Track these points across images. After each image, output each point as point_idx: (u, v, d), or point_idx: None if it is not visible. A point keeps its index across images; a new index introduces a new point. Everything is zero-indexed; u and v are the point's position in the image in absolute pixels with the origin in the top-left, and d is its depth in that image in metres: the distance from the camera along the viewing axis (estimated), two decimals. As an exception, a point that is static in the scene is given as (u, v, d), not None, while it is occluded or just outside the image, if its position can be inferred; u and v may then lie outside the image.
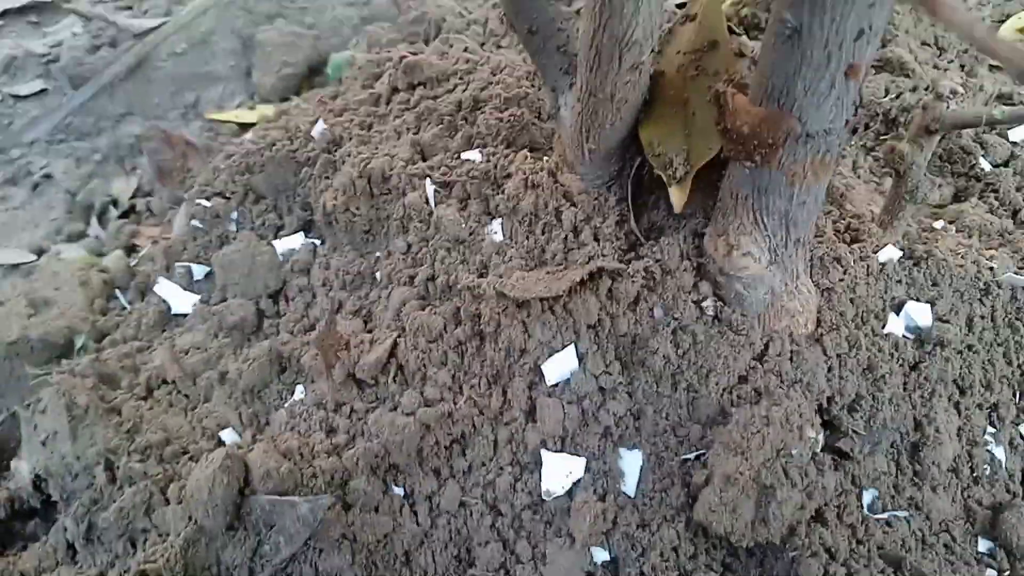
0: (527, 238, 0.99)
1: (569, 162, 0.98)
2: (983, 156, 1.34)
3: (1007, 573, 0.90)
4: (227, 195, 1.30)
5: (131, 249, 1.49)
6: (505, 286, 0.92)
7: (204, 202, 1.29)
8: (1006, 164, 1.34)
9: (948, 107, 0.93)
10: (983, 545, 0.93)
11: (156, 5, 2.00)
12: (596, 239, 0.96)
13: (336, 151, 1.23)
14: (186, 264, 1.25)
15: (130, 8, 2.01)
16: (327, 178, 1.21)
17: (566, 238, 0.97)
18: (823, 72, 0.70)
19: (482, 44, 1.53)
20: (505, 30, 1.57)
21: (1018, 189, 1.29)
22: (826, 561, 0.83)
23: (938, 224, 1.19)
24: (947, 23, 0.35)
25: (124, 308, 1.32)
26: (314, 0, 1.98)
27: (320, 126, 1.26)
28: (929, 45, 1.59)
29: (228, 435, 1.06)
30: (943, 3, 0.35)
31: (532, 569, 0.90)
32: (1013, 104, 1.46)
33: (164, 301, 1.23)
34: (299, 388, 1.08)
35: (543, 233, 0.98)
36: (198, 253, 1.27)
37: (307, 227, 1.25)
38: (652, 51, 0.79)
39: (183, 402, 1.11)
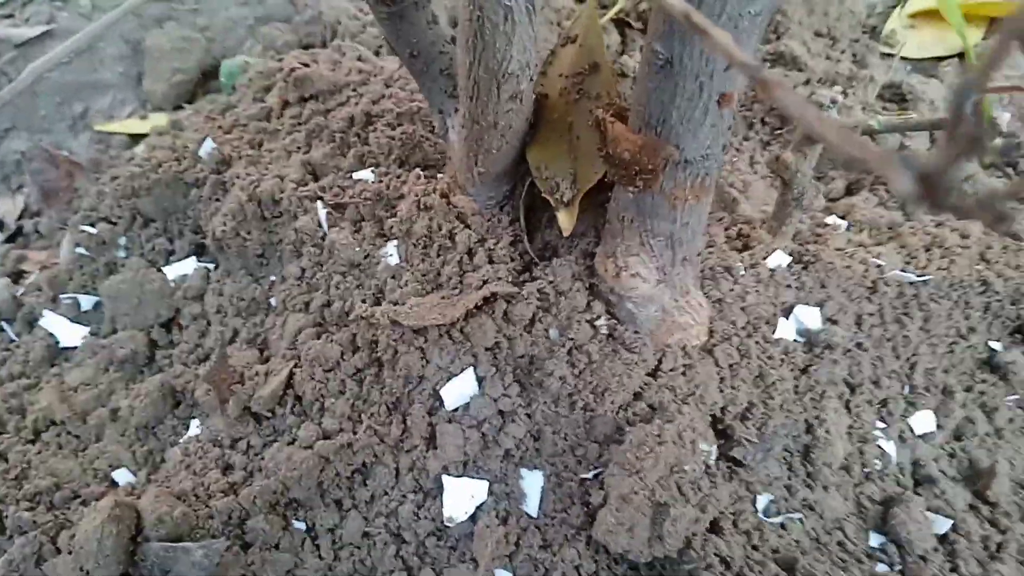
0: (422, 261, 0.98)
1: (461, 183, 0.96)
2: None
3: (898, 567, 0.94)
4: (113, 220, 1.25)
5: (18, 275, 1.42)
6: (399, 314, 0.91)
7: (89, 228, 1.24)
8: (894, 157, 1.38)
9: (830, 115, 0.94)
10: (875, 540, 0.96)
11: (38, 12, 1.90)
12: (491, 261, 0.96)
13: (225, 171, 1.19)
14: (72, 295, 1.20)
15: (11, 16, 1.91)
16: (217, 200, 1.17)
17: (461, 260, 0.96)
18: (696, 101, 0.70)
19: (378, 49, 1.50)
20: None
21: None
22: (721, 572, 0.84)
23: (830, 219, 1.22)
24: (780, 105, 0.35)
25: (12, 341, 1.26)
26: (206, 1, 1.90)
27: (208, 145, 1.22)
28: (822, 35, 1.62)
29: (122, 475, 1.02)
30: (775, 85, 0.35)
31: (439, 596, 0.90)
32: (902, 92, 1.51)
33: (51, 335, 1.18)
34: (194, 423, 1.05)
35: (438, 256, 0.97)
36: (85, 283, 1.22)
37: (199, 251, 1.22)
38: (531, 80, 0.78)
39: (73, 443, 1.06)
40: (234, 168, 1.17)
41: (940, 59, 1.61)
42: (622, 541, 0.83)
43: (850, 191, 1.37)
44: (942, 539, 0.96)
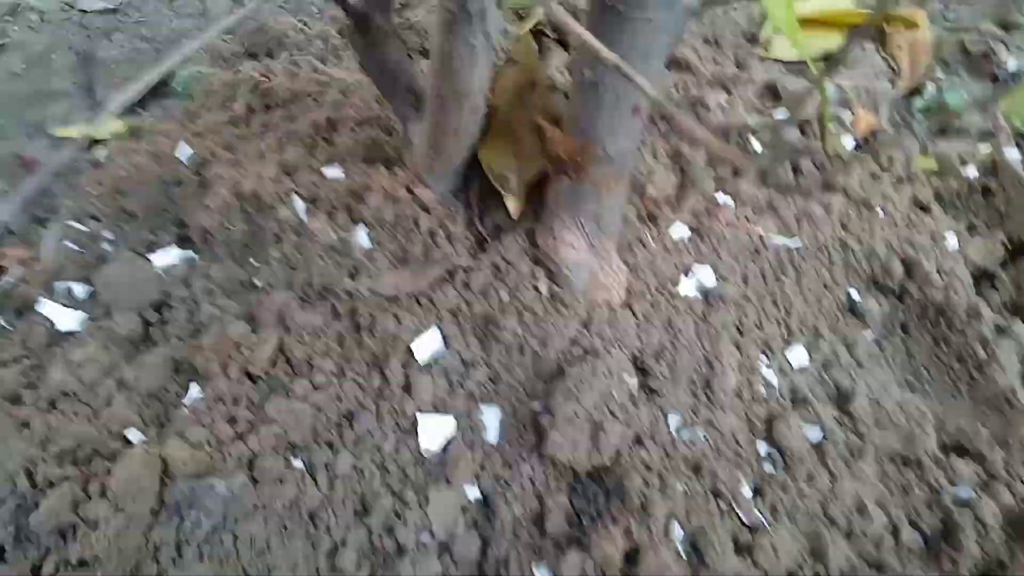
0: (391, 243, 1.18)
1: (421, 177, 1.17)
2: (754, 136, 1.64)
3: (781, 467, 1.19)
4: (99, 217, 1.40)
5: (-2, 271, 1.54)
6: (376, 285, 1.11)
7: (77, 224, 1.38)
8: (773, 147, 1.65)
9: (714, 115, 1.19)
10: (762, 449, 1.21)
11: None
12: (450, 241, 1.16)
13: (204, 171, 1.35)
14: (66, 283, 1.34)
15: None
16: (198, 197, 1.33)
17: (425, 242, 1.17)
18: (615, 112, 0.93)
19: (324, 60, 1.68)
20: (345, 43, 1.72)
21: (777, 168, 1.60)
22: (644, 472, 1.07)
23: (720, 197, 1.47)
24: (688, 136, 0.57)
25: (3, 328, 1.39)
26: (151, 14, 2.03)
27: (185, 149, 1.38)
28: (709, 42, 1.88)
29: (134, 435, 1.18)
30: (672, 112, 0.57)
31: (419, 510, 1.10)
32: (776, 89, 1.78)
33: (48, 320, 1.32)
34: (194, 386, 1.22)
35: (405, 238, 1.18)
36: (76, 273, 1.37)
37: (182, 243, 1.38)
38: (483, 95, 1.00)
39: (87, 410, 1.21)
40: (214, 168, 1.34)
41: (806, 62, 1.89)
42: (567, 454, 1.06)
43: (736, 174, 1.63)
44: (816, 446, 1.22)
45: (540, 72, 1.09)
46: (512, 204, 1.08)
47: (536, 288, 1.13)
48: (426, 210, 1.17)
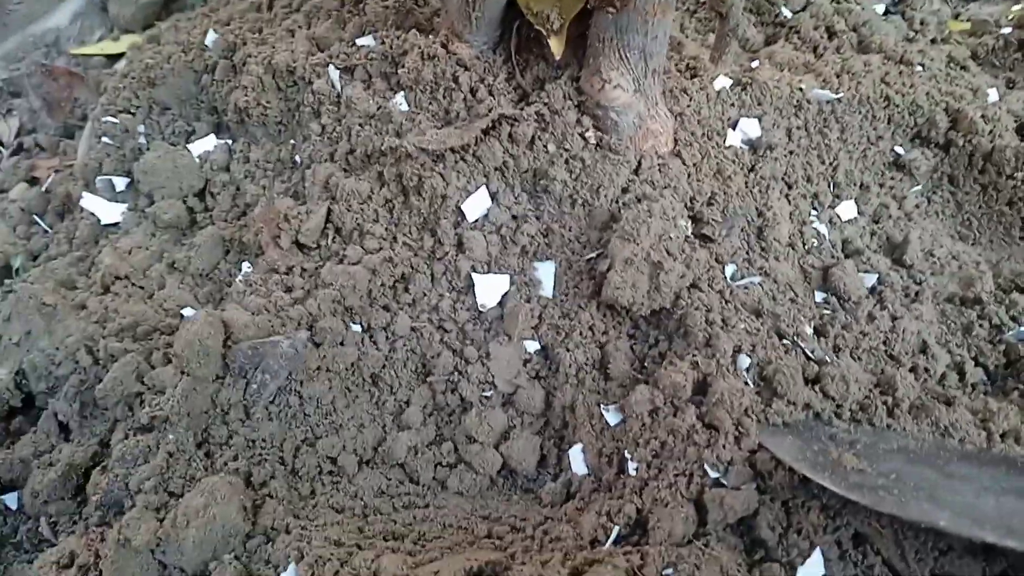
0: (431, 104, 1.17)
1: (458, 33, 1.15)
2: (784, 5, 1.61)
3: (840, 311, 1.17)
4: (132, 111, 1.38)
5: (32, 182, 1.54)
6: (422, 142, 1.09)
7: (111, 119, 1.37)
8: (803, 10, 1.61)
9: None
10: (819, 297, 1.20)
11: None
12: (491, 95, 1.15)
13: (233, 56, 1.34)
14: (107, 177, 1.34)
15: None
16: (230, 81, 1.32)
17: (466, 98, 1.15)
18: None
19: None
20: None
21: (815, 28, 1.57)
22: (705, 312, 1.07)
23: (755, 63, 1.45)
24: None
25: (46, 231, 1.39)
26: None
27: (212, 35, 1.36)
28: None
29: (189, 312, 1.18)
30: None
31: (480, 366, 1.10)
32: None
33: (92, 214, 1.32)
34: (244, 265, 1.21)
35: (445, 96, 1.16)
36: (115, 167, 1.36)
37: (218, 130, 1.36)
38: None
39: (139, 292, 1.22)
40: (242, 51, 1.32)
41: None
42: (627, 296, 1.05)
43: (768, 43, 1.60)
44: (872, 291, 1.21)
45: None
46: (555, 44, 1.05)
47: (583, 136, 1.11)
48: (465, 67, 1.15)
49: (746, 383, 1.00)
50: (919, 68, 1.47)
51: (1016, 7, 1.77)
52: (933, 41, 1.65)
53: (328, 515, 0.99)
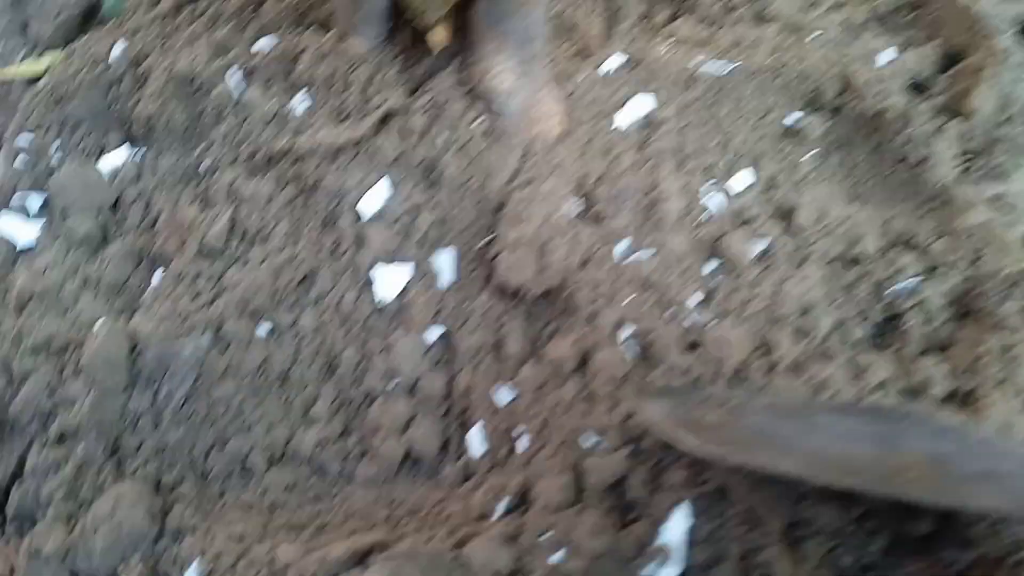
0: (328, 101, 1.20)
1: (349, 30, 1.18)
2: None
3: (727, 279, 1.21)
4: (45, 128, 1.41)
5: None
6: (314, 140, 1.13)
7: (25, 137, 1.39)
8: (706, -12, 1.64)
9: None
10: (710, 266, 1.23)
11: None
12: (385, 89, 1.18)
13: (139, 66, 1.36)
14: (21, 196, 1.36)
15: None
16: (138, 90, 1.34)
17: (361, 92, 1.18)
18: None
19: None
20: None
21: (713, 4, 1.60)
22: (593, 289, 1.11)
23: (656, 40, 1.48)
24: None
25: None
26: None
27: (119, 47, 1.39)
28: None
29: (102, 324, 1.21)
30: None
31: (383, 358, 1.14)
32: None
33: (7, 239, 1.34)
34: (157, 274, 1.24)
35: (342, 92, 1.19)
36: (29, 185, 1.38)
37: (130, 141, 1.39)
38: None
39: (54, 309, 1.24)
40: (147, 61, 1.34)
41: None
42: (516, 277, 1.09)
43: (672, 19, 1.63)
44: (761, 257, 1.24)
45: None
46: (439, 34, 1.09)
47: (473, 125, 1.15)
48: (357, 62, 1.18)
49: (626, 353, 1.04)
50: (812, 35, 1.51)
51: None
52: (833, 6, 1.68)
53: (235, 514, 1.03)
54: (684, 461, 0.93)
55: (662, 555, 0.88)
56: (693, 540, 0.90)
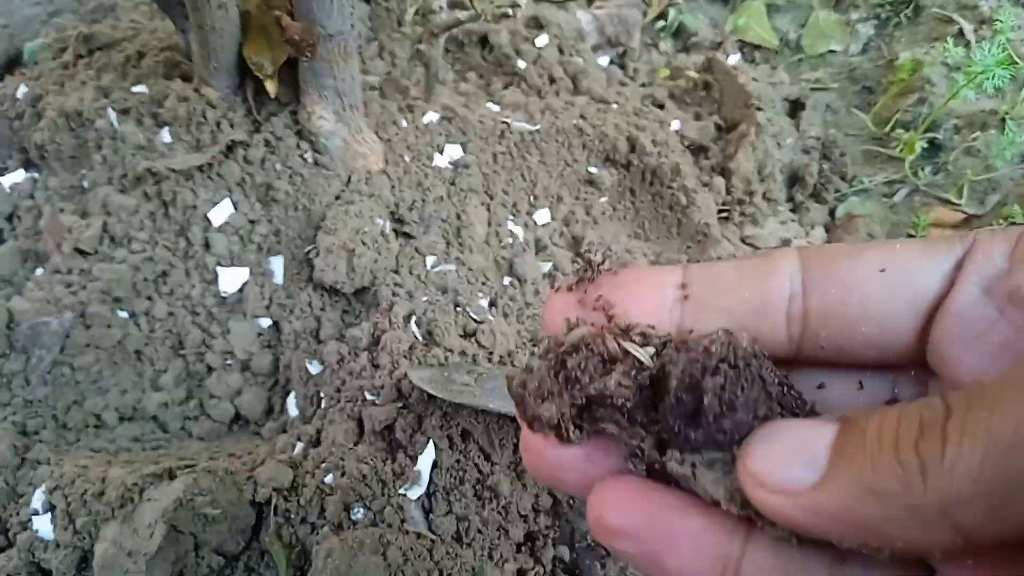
0: (187, 135, 1.47)
1: (205, 80, 1.46)
2: (519, 58, 1.98)
3: (516, 287, 1.51)
4: (-48, 152, 1.65)
5: None
6: (173, 163, 1.40)
7: (-67, 159, 1.63)
8: (534, 62, 1.99)
9: (441, 17, 1.52)
10: (506, 280, 1.53)
11: None
12: (232, 127, 1.46)
13: (38, 104, 1.63)
14: (-73, 207, 1.60)
15: None
16: (34, 124, 1.60)
17: (212, 130, 1.46)
18: (323, -3, 1.24)
19: (151, 19, 1.96)
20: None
21: (539, 76, 1.94)
22: (396, 289, 1.39)
23: (489, 105, 1.81)
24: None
25: None
26: (3, 4, 2.28)
27: (23, 88, 1.65)
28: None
29: (-11, 310, 1.45)
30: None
31: (223, 340, 1.40)
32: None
33: (-87, 238, 1.58)
34: (39, 270, 1.49)
35: (196, 130, 1.47)
36: (-64, 199, 1.62)
37: (26, 166, 1.64)
38: (230, -4, 1.30)
39: (-53, 296, 1.47)
40: (44, 100, 1.61)
41: (573, -1, 2.25)
42: (330, 276, 1.36)
43: (505, 87, 1.97)
44: (546, 275, 1.55)
45: (275, -21, 1.40)
46: (270, 85, 1.38)
47: (302, 157, 1.44)
48: (212, 105, 1.46)
49: (415, 336, 1.32)
50: (614, 105, 1.86)
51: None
52: (642, 85, 2.05)
53: (85, 454, 1.26)
54: (439, 411, 1.20)
55: (414, 477, 1.15)
56: (440, 469, 1.17)
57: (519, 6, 1.45)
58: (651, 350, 0.43)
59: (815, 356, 0.44)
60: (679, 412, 0.41)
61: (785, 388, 0.42)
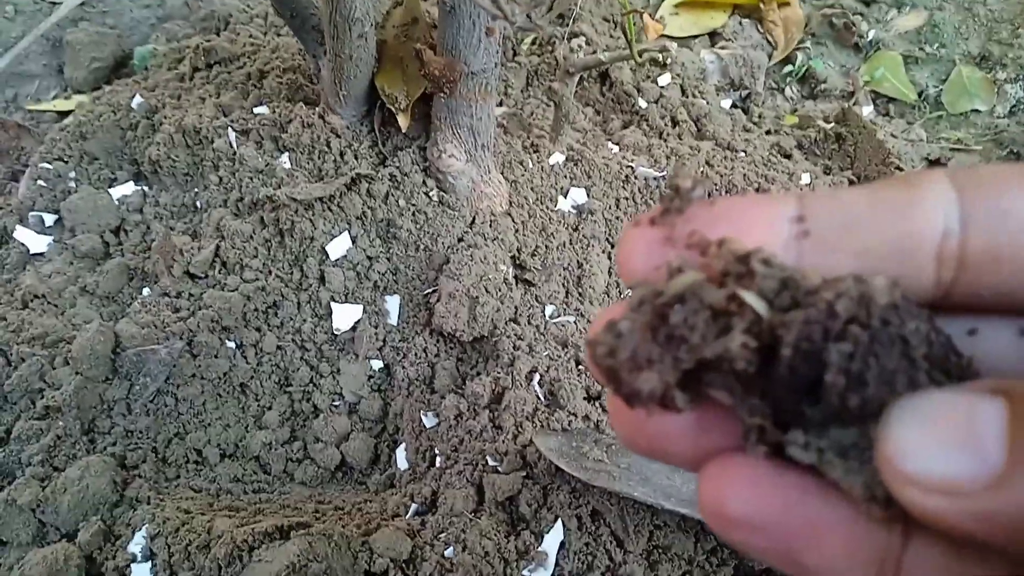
0: (308, 163, 1.42)
1: (332, 107, 1.41)
2: (640, 97, 1.89)
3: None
4: (65, 159, 1.62)
5: (-24, 217, 1.76)
6: (294, 192, 1.34)
7: (47, 165, 1.60)
8: (656, 102, 1.90)
9: (580, 56, 1.44)
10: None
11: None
12: (356, 158, 1.40)
13: (153, 117, 1.59)
14: (38, 214, 1.57)
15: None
16: (148, 137, 1.56)
17: (335, 160, 1.40)
18: (472, 33, 1.17)
19: (264, 33, 1.92)
20: (282, 22, 1.96)
21: (661, 118, 1.85)
22: (516, 341, 1.31)
23: (609, 144, 1.72)
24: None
25: (-19, 258, 1.61)
26: (113, 4, 2.27)
27: (138, 99, 1.61)
28: (607, 20, 2.14)
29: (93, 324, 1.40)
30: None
31: (332, 379, 1.33)
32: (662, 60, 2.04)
33: (23, 244, 1.54)
34: (145, 290, 1.44)
35: (319, 158, 1.41)
36: (46, 206, 1.59)
37: (136, 178, 1.60)
38: (372, 24, 1.24)
39: (53, 310, 1.43)
40: (160, 113, 1.57)
41: (695, 36, 2.16)
42: (450, 323, 1.29)
43: (624, 127, 1.89)
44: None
45: (420, 9, 1.33)
46: (402, 119, 1.31)
47: (427, 195, 1.37)
48: (336, 134, 1.40)
49: (538, 396, 1.23)
50: (741, 153, 1.76)
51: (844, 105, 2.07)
52: (768, 132, 1.94)
53: (185, 493, 1.20)
54: (568, 486, 1.11)
55: (539, 559, 1.06)
56: (568, 551, 1.08)
57: (669, 51, 1.36)
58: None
59: (968, 303, 0.35)
60: (794, 385, 0.32)
61: (935, 345, 0.32)
